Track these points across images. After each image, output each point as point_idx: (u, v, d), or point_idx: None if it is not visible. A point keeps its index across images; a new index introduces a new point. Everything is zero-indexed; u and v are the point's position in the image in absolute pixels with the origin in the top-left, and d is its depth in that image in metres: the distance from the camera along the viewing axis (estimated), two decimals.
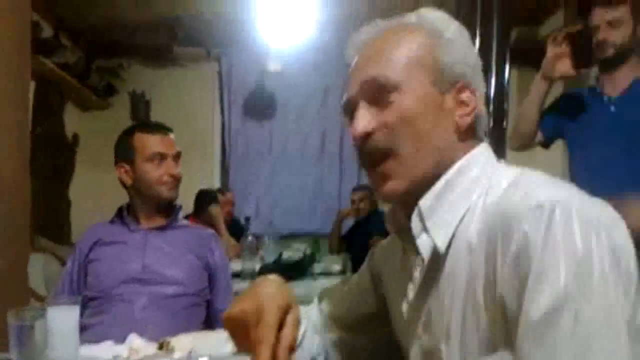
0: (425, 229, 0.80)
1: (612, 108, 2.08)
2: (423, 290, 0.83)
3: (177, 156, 1.87)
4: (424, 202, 0.80)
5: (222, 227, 3.69)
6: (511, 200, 0.71)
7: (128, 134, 1.87)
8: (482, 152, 0.84)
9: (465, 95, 0.83)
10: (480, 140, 0.85)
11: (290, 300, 0.86)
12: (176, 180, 1.85)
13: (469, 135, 0.83)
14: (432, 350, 0.81)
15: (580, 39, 2.01)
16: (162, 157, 1.82)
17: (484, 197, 0.77)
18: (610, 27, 2.01)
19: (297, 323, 0.85)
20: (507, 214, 0.70)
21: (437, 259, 0.80)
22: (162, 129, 1.88)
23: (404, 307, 0.88)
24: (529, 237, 0.67)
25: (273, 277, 0.92)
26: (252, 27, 4.15)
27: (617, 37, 2.02)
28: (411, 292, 0.86)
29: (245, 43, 4.59)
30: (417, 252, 0.81)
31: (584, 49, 2.01)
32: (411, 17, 0.87)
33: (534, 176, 0.77)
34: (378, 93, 0.82)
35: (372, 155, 0.83)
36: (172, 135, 1.90)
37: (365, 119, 0.83)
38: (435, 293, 0.81)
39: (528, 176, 0.77)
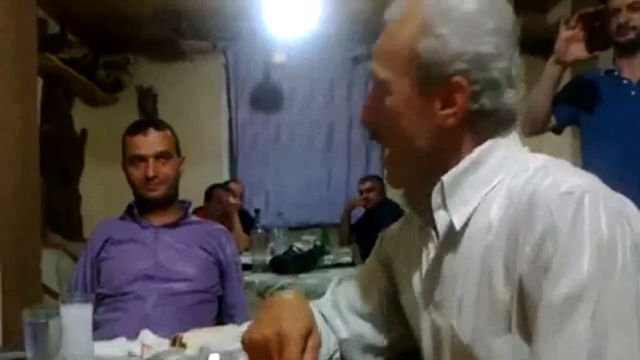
0: (444, 205, 0.80)
1: (633, 92, 2.06)
2: (437, 266, 0.83)
3: (161, 155, 1.82)
4: (447, 179, 0.80)
5: (237, 220, 3.70)
6: (540, 184, 0.72)
7: (123, 135, 1.89)
8: (504, 139, 0.81)
9: (454, 94, 0.78)
10: (497, 132, 0.81)
11: (311, 322, 0.85)
12: (156, 180, 1.81)
13: (467, 132, 0.80)
14: (443, 327, 0.82)
15: (594, 22, 1.96)
16: (140, 158, 1.81)
17: (510, 180, 0.77)
18: (631, 10, 2.00)
19: (318, 346, 0.84)
20: (535, 197, 0.71)
21: (454, 236, 0.80)
22: (146, 127, 1.84)
23: (416, 283, 0.89)
24: (556, 221, 0.68)
25: (292, 297, 0.90)
26: (257, 19, 4.14)
27: (638, 20, 2.00)
28: (425, 267, 0.86)
29: (251, 36, 4.58)
30: (433, 227, 0.83)
31: (598, 32, 1.96)
32: None
33: (561, 164, 0.79)
34: (375, 85, 0.86)
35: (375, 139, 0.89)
36: (164, 132, 1.85)
37: (364, 109, 0.88)
38: (449, 269, 0.82)
39: (555, 164, 0.78)
